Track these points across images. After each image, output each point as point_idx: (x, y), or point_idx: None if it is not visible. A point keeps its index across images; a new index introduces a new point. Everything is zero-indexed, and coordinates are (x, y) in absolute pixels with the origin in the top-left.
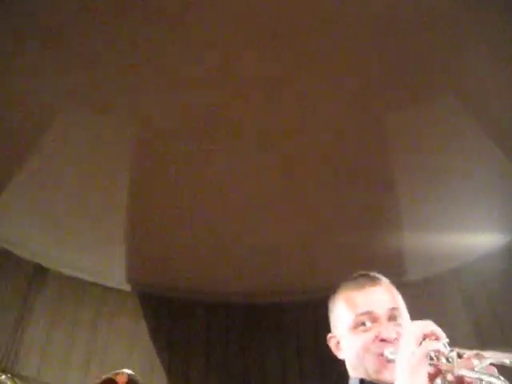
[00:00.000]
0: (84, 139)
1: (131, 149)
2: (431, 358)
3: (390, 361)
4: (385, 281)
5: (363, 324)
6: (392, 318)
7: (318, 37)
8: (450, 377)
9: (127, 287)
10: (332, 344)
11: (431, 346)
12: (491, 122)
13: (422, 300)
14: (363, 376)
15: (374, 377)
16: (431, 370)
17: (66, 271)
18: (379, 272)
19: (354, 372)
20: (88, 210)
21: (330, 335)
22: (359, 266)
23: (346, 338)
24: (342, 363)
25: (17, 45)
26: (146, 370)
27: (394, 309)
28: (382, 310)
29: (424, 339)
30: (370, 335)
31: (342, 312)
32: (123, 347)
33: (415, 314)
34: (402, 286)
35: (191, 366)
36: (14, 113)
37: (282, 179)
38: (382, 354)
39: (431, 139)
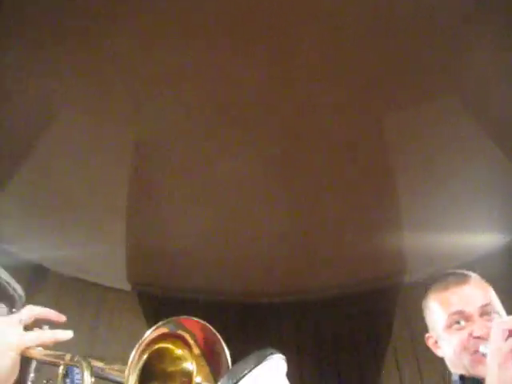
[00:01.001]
0: (84, 140)
1: (131, 149)
2: None
3: (485, 356)
4: (474, 277)
5: (457, 323)
6: (484, 313)
7: (317, 36)
8: None
9: (127, 287)
10: (430, 343)
11: None
12: (492, 121)
13: (423, 300)
14: (463, 372)
15: (472, 372)
16: None
17: (66, 271)
18: (379, 272)
19: (453, 368)
20: (88, 209)
21: (427, 335)
22: (359, 266)
23: (442, 338)
24: (342, 363)
25: (16, 44)
26: None
27: (485, 305)
28: (473, 308)
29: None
30: (465, 334)
31: (436, 312)
32: (123, 347)
33: (416, 314)
34: (402, 286)
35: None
36: (13, 113)
37: (281, 179)
38: (477, 351)
39: (431, 139)
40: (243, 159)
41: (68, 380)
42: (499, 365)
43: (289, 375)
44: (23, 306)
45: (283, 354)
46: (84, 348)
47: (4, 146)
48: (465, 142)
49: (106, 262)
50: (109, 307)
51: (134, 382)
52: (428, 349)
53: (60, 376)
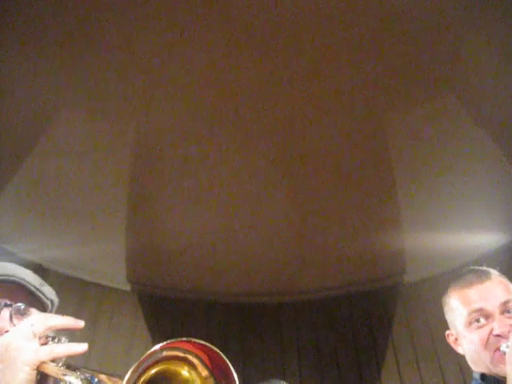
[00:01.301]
0: (83, 139)
1: (131, 148)
2: None
3: (506, 354)
4: (494, 274)
5: (477, 321)
6: (505, 311)
7: (318, 36)
8: None
9: (127, 287)
10: (450, 340)
11: None
12: (492, 121)
13: (422, 300)
14: (484, 370)
15: (493, 370)
16: None
17: (66, 271)
18: (379, 272)
19: (474, 366)
20: (88, 209)
21: (447, 332)
22: (359, 266)
23: (462, 335)
24: (342, 363)
25: (16, 44)
26: None
27: (506, 302)
28: (494, 305)
29: None
30: (485, 331)
31: (456, 310)
32: (123, 347)
33: (416, 314)
34: (402, 286)
35: None
36: (13, 113)
37: (281, 179)
38: (498, 349)
39: (431, 139)
40: (242, 160)
41: None
42: None
43: (289, 375)
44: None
45: (283, 354)
46: None
47: (3, 146)
48: (465, 142)
49: (105, 261)
50: (109, 307)
51: None
52: (428, 349)
53: None
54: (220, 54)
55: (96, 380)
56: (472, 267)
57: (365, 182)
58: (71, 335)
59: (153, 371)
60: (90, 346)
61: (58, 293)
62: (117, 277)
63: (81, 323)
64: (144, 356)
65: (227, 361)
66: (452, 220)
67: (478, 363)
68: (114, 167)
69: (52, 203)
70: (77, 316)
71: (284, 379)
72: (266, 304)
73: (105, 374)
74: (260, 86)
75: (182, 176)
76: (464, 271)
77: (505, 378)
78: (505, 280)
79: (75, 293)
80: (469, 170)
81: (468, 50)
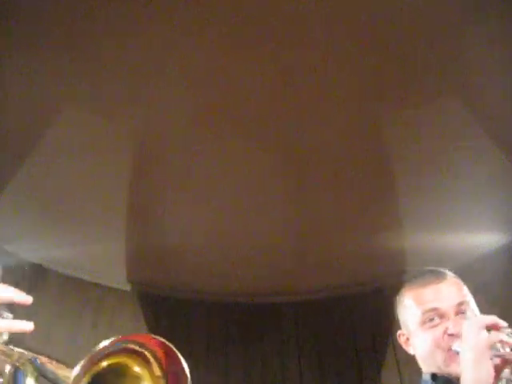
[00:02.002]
0: (84, 139)
1: (132, 149)
2: (497, 350)
3: (458, 354)
4: (450, 275)
5: (431, 320)
6: (459, 311)
7: (317, 36)
8: None
9: (127, 287)
10: (402, 340)
11: (494, 336)
12: (492, 121)
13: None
14: (434, 370)
15: (445, 370)
16: (498, 361)
17: (66, 271)
18: (379, 272)
19: (425, 366)
20: (88, 209)
21: (399, 332)
22: (359, 266)
23: (415, 335)
24: (342, 363)
25: (17, 44)
26: None
27: (461, 303)
28: (448, 305)
29: (488, 331)
30: (439, 331)
31: (410, 309)
32: None
33: None
34: (402, 286)
35: (191, 365)
36: (13, 113)
37: (281, 179)
38: (450, 349)
39: (431, 139)
40: (242, 160)
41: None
42: (476, 361)
43: (289, 375)
44: None
45: (283, 354)
46: (84, 347)
47: (4, 146)
48: (465, 142)
49: (105, 261)
50: (109, 307)
51: None
52: None
53: (8, 375)
54: (222, 52)
55: (39, 362)
56: (428, 268)
57: (365, 182)
58: (68, 337)
59: (104, 363)
60: (90, 346)
61: (58, 293)
62: (117, 277)
63: (29, 299)
64: (98, 348)
65: (183, 363)
66: (452, 220)
67: (430, 363)
68: (114, 167)
69: (52, 203)
70: (77, 316)
71: (284, 379)
72: (266, 304)
73: (48, 357)
74: (261, 87)
75: (182, 176)
76: (420, 271)
77: (456, 377)
78: (460, 282)
79: (75, 293)
80: (469, 169)
81: (469, 50)
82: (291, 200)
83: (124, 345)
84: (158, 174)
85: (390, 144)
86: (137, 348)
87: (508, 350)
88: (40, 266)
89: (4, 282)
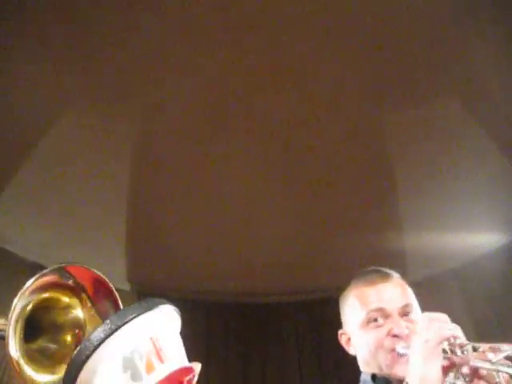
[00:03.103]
0: (85, 140)
1: (132, 149)
2: (445, 352)
3: (401, 355)
4: (395, 276)
5: (375, 320)
6: (404, 313)
7: (317, 36)
8: (465, 369)
9: (127, 287)
10: (343, 340)
11: (444, 333)
12: (492, 121)
13: (423, 300)
14: (375, 371)
15: (386, 371)
16: (445, 362)
17: None
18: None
19: (365, 367)
20: (88, 210)
21: (340, 331)
22: (359, 266)
23: (357, 335)
24: (342, 363)
25: (17, 44)
26: None
27: (405, 305)
28: (393, 307)
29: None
30: (383, 331)
31: (354, 308)
32: None
33: None
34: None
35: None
36: (13, 113)
37: (281, 179)
38: (394, 350)
39: (431, 139)
40: (243, 160)
41: None
42: (424, 360)
43: (289, 375)
44: None
45: (283, 354)
46: None
47: (5, 148)
48: (465, 142)
49: (105, 261)
50: None
51: (16, 333)
52: None
53: None
54: (223, 54)
55: None
56: (374, 268)
57: (365, 183)
58: None
59: (41, 297)
60: None
61: None
62: (117, 277)
63: None
64: (27, 283)
65: (114, 292)
66: (452, 220)
67: (370, 364)
68: (114, 168)
69: (52, 203)
70: None
71: (284, 379)
72: (266, 304)
73: None
74: (261, 87)
75: (183, 177)
76: (366, 271)
77: (397, 379)
78: (404, 283)
79: None
80: (469, 169)
81: (469, 50)
82: (292, 202)
83: (61, 278)
84: (158, 175)
85: (390, 145)
86: (64, 281)
87: (458, 352)
88: (40, 266)
89: (4, 282)
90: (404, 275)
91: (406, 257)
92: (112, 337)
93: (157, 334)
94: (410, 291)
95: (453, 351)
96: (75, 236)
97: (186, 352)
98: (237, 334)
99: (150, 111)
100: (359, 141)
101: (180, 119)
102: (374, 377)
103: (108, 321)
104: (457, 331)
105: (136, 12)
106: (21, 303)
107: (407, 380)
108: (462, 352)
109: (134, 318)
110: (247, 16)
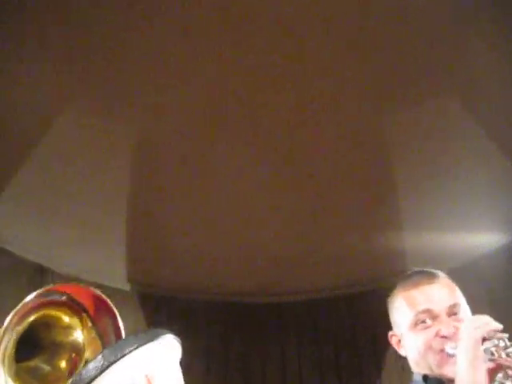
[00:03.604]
0: (84, 140)
1: (131, 149)
2: (492, 354)
3: (450, 356)
4: (442, 276)
5: (423, 322)
6: (452, 313)
7: (317, 36)
8: (511, 372)
9: (127, 287)
10: (393, 342)
11: (489, 341)
12: (492, 121)
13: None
14: (426, 371)
15: (436, 371)
16: (491, 365)
17: (66, 271)
18: (379, 272)
19: (416, 368)
20: (88, 209)
21: (390, 333)
22: (359, 266)
23: (407, 336)
24: (342, 363)
25: (16, 46)
26: None
27: (453, 305)
28: (441, 307)
29: (483, 340)
30: (431, 332)
31: (402, 311)
32: None
33: None
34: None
35: (191, 365)
36: (14, 114)
37: (281, 180)
38: (442, 350)
39: (431, 139)
40: (243, 160)
41: None
42: (470, 364)
43: (289, 375)
44: None
45: (283, 354)
46: None
47: (4, 146)
48: (465, 142)
49: (105, 261)
50: None
51: (8, 345)
52: None
53: None
54: (223, 54)
55: None
56: (420, 269)
57: (365, 182)
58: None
59: (32, 317)
60: None
61: None
62: (117, 277)
63: None
64: (24, 301)
65: (115, 311)
66: (452, 220)
67: (421, 364)
68: (115, 168)
69: (52, 203)
70: None
71: (284, 379)
72: (266, 304)
73: None
74: (262, 87)
75: (183, 177)
76: (412, 272)
77: (448, 378)
78: (452, 284)
79: None
80: (469, 169)
81: (469, 50)
82: (291, 201)
83: (51, 297)
84: (158, 175)
85: (390, 145)
86: (65, 300)
87: (503, 355)
88: (40, 265)
89: (4, 282)
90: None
91: (405, 257)
92: (103, 374)
93: (153, 371)
94: (457, 291)
95: (498, 354)
96: (75, 236)
97: (186, 352)
98: (237, 334)
99: (150, 111)
100: (359, 140)
101: (180, 119)
102: (425, 377)
103: (101, 356)
104: (499, 333)
105: (136, 12)
106: (7, 338)
107: (456, 381)
108: (508, 355)
109: (130, 352)
110: (247, 16)
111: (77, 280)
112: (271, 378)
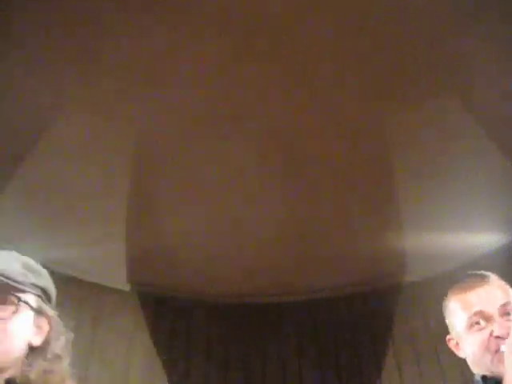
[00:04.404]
0: (83, 140)
1: (131, 149)
2: None
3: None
4: (493, 277)
5: (477, 323)
6: (505, 313)
7: (317, 37)
8: None
9: (127, 287)
10: (452, 345)
11: None
12: (492, 121)
13: (423, 300)
14: (485, 372)
15: (495, 371)
16: None
17: (66, 271)
18: (379, 272)
19: (475, 369)
20: (88, 209)
21: (448, 337)
22: (359, 266)
23: (463, 339)
24: (342, 363)
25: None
26: (145, 369)
27: (505, 304)
28: (493, 308)
29: None
30: (485, 334)
31: (457, 313)
32: (123, 347)
33: (416, 314)
34: (402, 286)
35: (192, 365)
36: (14, 113)
37: (281, 180)
38: (498, 351)
39: (431, 139)
40: (243, 161)
41: None
42: None
43: (289, 375)
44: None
45: (283, 354)
46: (84, 348)
47: (4, 146)
48: (465, 142)
49: (105, 262)
50: (108, 307)
51: None
52: (428, 349)
53: None
54: (223, 55)
55: None
56: (471, 271)
57: (365, 182)
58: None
59: None
60: (90, 346)
61: (57, 293)
62: (117, 277)
63: None
64: None
65: None
66: (452, 220)
67: (480, 365)
68: (114, 168)
69: (52, 203)
70: (76, 316)
71: (284, 379)
72: (266, 304)
73: None
74: (261, 87)
75: (183, 177)
76: (463, 275)
77: None
78: (503, 283)
79: (75, 293)
80: (469, 169)
81: (469, 50)
82: (291, 201)
83: None
84: (158, 175)
85: (390, 145)
86: None
87: None
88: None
89: None
90: (404, 275)
91: (405, 257)
92: None
93: None
94: (509, 290)
95: None
96: (75, 236)
97: (186, 352)
98: (237, 334)
99: (150, 111)
100: (359, 140)
101: (180, 119)
102: (484, 378)
103: None
104: None
105: (136, 12)
106: None
107: (504, 381)
108: None
109: None
110: (248, 17)
111: (76, 280)
112: (271, 378)
